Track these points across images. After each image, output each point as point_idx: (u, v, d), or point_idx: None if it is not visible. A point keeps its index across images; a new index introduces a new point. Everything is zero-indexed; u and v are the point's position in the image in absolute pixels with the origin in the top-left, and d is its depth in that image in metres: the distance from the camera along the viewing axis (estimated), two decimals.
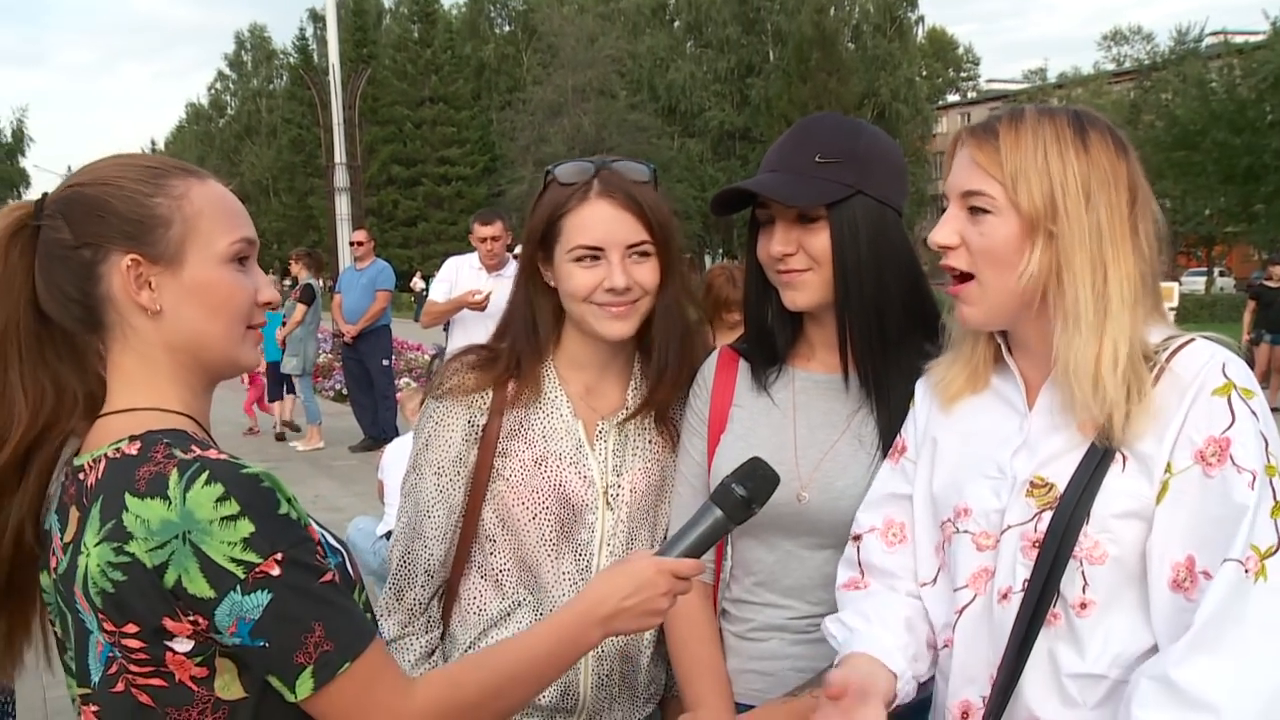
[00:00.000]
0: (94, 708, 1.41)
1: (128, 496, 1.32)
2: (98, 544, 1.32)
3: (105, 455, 1.39)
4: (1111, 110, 46.83)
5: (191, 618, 1.30)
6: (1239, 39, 44.62)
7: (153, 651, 1.33)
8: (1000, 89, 71.79)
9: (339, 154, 19.84)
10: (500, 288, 7.60)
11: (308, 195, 59.93)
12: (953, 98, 76.38)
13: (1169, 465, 1.48)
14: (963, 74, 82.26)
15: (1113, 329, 1.50)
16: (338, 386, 15.71)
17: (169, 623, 1.31)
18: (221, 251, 1.46)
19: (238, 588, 1.28)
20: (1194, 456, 1.46)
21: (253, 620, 1.29)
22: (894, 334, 1.88)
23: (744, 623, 2.02)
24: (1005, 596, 1.58)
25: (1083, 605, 1.52)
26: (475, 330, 7.60)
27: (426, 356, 18.44)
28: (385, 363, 11.82)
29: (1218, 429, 1.45)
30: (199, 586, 1.28)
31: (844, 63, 50.60)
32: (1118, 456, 1.51)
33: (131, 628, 1.32)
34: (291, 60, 68.99)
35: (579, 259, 1.95)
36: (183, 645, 1.32)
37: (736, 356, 2.08)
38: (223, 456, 1.35)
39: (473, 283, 7.63)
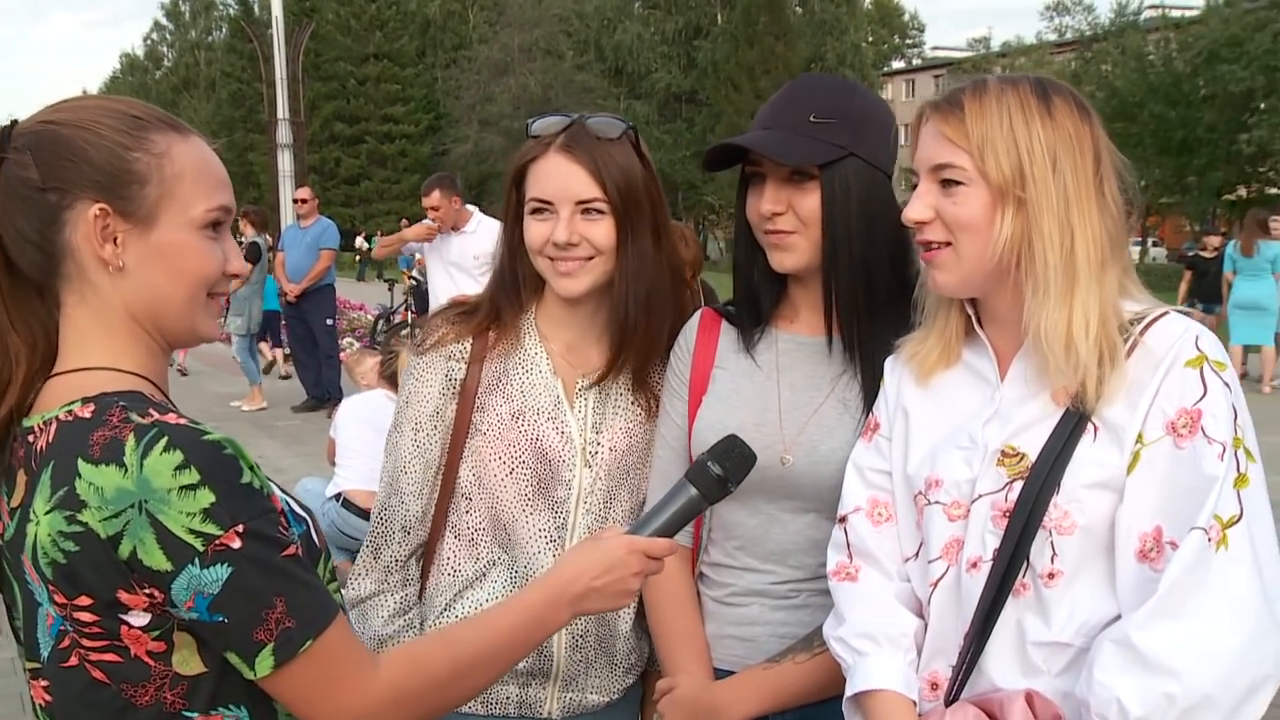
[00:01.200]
0: (44, 682, 1.34)
1: (81, 463, 1.24)
2: (48, 512, 1.25)
3: (56, 418, 1.31)
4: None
5: (147, 590, 1.24)
6: (1176, 13, 45.20)
7: (107, 625, 1.26)
8: (945, 57, 72.06)
9: (282, 109, 19.48)
10: (461, 244, 7.60)
11: (248, 151, 58.76)
12: (898, 64, 76.57)
13: (1140, 436, 1.49)
14: (908, 41, 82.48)
15: (1082, 294, 1.52)
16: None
17: (124, 595, 1.24)
18: (197, 217, 1.39)
19: (196, 560, 1.21)
20: (1165, 428, 1.47)
21: (211, 595, 1.23)
22: (881, 298, 1.87)
23: (723, 587, 2.00)
24: (975, 566, 1.58)
25: (1050, 575, 1.53)
26: (443, 283, 7.65)
27: (370, 316, 18.31)
28: (329, 322, 11.70)
29: (1189, 400, 1.46)
30: (155, 559, 1.21)
31: (791, 27, 50.54)
32: (1089, 426, 1.52)
33: (84, 600, 1.25)
34: (231, 12, 67.44)
35: (533, 211, 1.97)
36: (139, 619, 1.26)
37: (719, 318, 2.06)
38: (182, 421, 1.28)
39: (431, 245, 7.81)
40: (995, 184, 1.55)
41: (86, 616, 1.26)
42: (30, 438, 1.33)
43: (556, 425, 2.01)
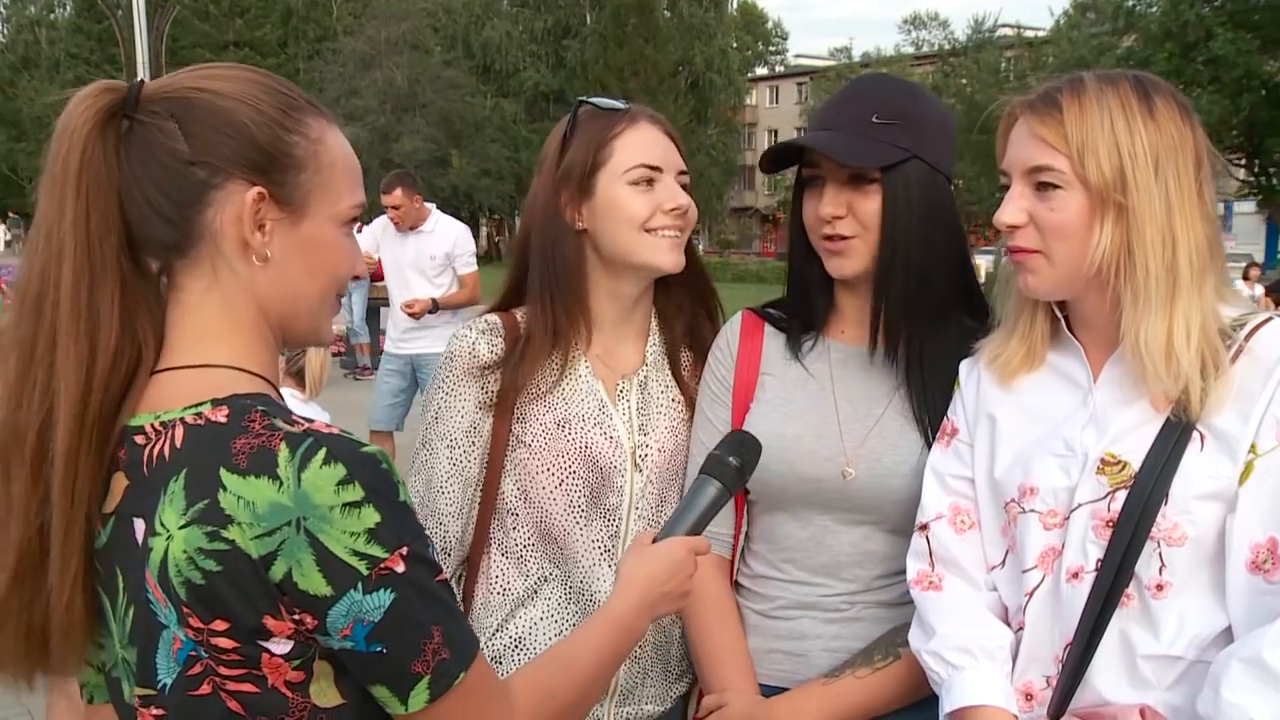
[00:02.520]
0: (158, 711, 1.20)
1: (224, 473, 1.12)
2: (183, 526, 1.12)
3: (181, 420, 1.17)
4: None
5: (297, 616, 1.12)
6: (1029, 32, 47.18)
7: (247, 652, 1.14)
8: (808, 65, 73.57)
9: None
10: (418, 244, 7.31)
11: None
12: (762, 71, 77.90)
13: (1254, 446, 1.46)
14: (771, 48, 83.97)
15: (1183, 303, 1.48)
16: None
17: (270, 621, 1.12)
18: (342, 213, 1.28)
19: (359, 585, 1.11)
20: (1279, 437, 1.45)
21: (372, 623, 1.12)
22: (936, 306, 1.82)
23: (769, 600, 1.93)
24: (1076, 576, 1.54)
25: (1159, 587, 1.50)
26: (399, 285, 7.43)
27: None
28: None
29: None
30: (314, 583, 1.10)
31: (660, 30, 50.78)
32: (1195, 435, 1.49)
33: (220, 624, 1.13)
34: None
35: (636, 181, 1.87)
36: (281, 646, 1.14)
37: (761, 322, 1.99)
38: (334, 430, 1.16)
39: (387, 243, 7.48)
40: (1095, 188, 1.50)
41: (225, 643, 1.14)
42: (139, 439, 1.19)
43: (604, 430, 1.92)
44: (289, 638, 1.14)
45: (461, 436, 1.91)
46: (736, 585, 1.98)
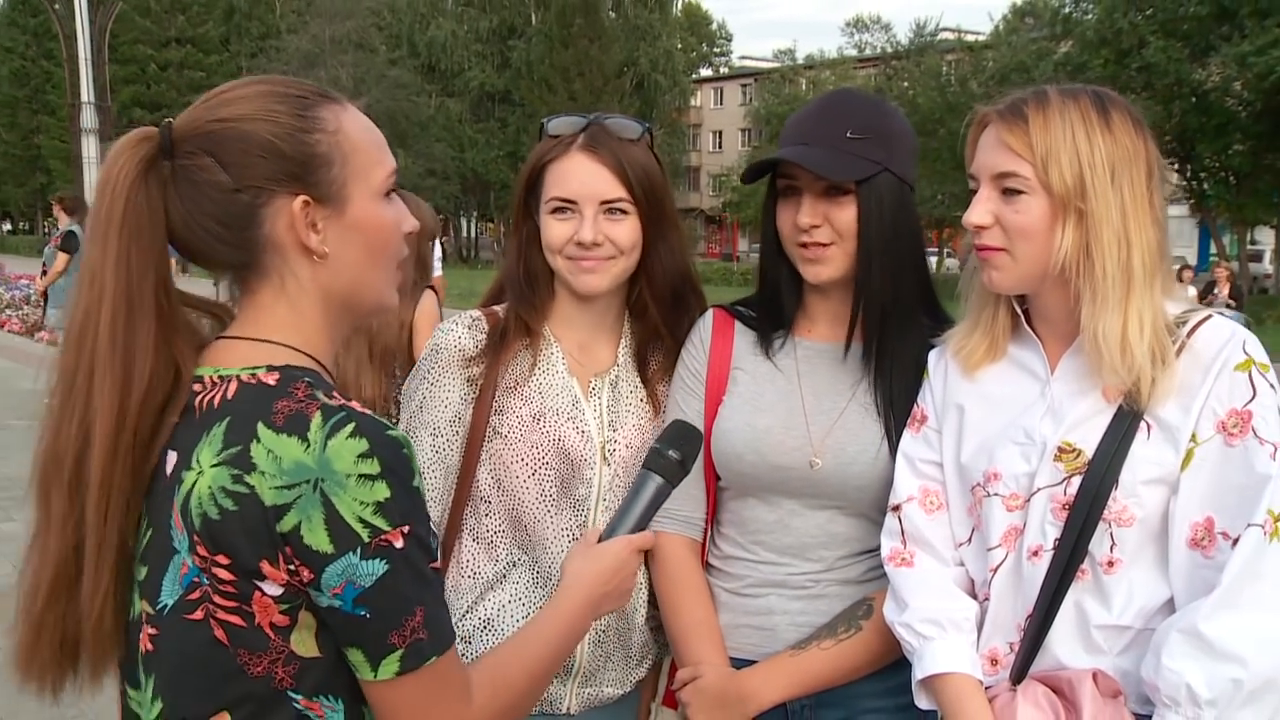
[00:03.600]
0: (153, 630, 1.31)
1: (261, 427, 1.23)
2: (215, 465, 1.23)
3: (237, 376, 1.30)
4: None
5: (293, 567, 1.22)
6: (970, 37, 47.84)
7: (241, 587, 1.24)
8: (752, 66, 74.02)
9: (86, 93, 18.51)
10: None
11: (34, 134, 55.36)
12: (706, 72, 78.22)
13: (1194, 435, 1.61)
14: (716, 50, 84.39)
15: (1137, 300, 1.62)
16: None
17: (266, 565, 1.22)
18: (378, 185, 1.38)
19: (358, 550, 1.21)
20: (1216, 427, 1.60)
21: (363, 587, 1.22)
22: (905, 308, 1.96)
23: (738, 579, 2.06)
24: (1035, 554, 1.69)
25: (1110, 563, 1.65)
26: None
27: None
28: None
29: (1239, 402, 1.59)
30: (318, 539, 1.20)
31: (606, 30, 50.91)
32: (1143, 425, 1.63)
33: (223, 559, 1.23)
34: None
35: (554, 210, 1.98)
36: (272, 589, 1.24)
37: (732, 319, 2.11)
38: (367, 412, 1.27)
39: None
40: (1057, 194, 1.64)
41: (225, 574, 1.24)
42: (197, 386, 1.31)
43: (576, 425, 2.04)
44: (281, 584, 1.24)
45: (445, 425, 2.02)
46: (708, 566, 2.11)
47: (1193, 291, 19.54)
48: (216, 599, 1.25)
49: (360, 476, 1.21)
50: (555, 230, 1.99)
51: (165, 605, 1.29)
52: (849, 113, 1.96)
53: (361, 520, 1.21)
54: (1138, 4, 27.80)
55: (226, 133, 1.31)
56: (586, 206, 1.97)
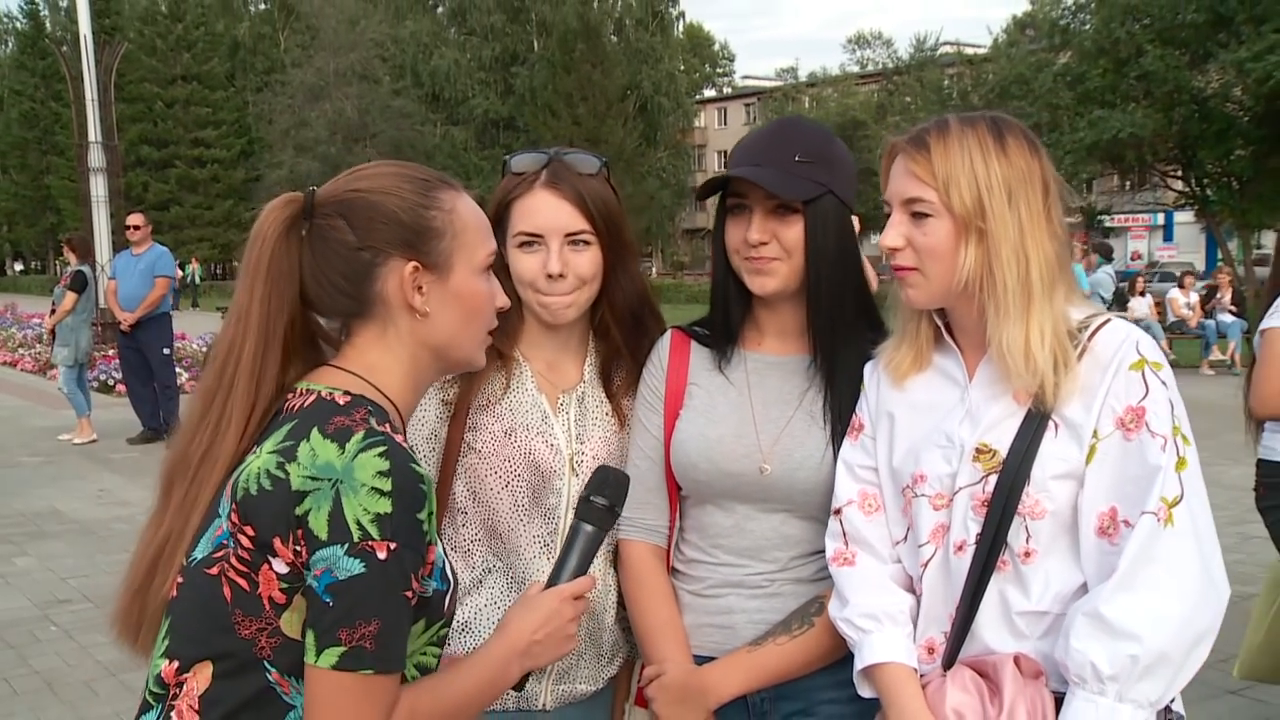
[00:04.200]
0: (180, 580, 1.51)
1: (315, 431, 1.44)
2: (270, 452, 1.44)
3: (319, 392, 1.53)
4: (860, 110, 49.57)
5: (299, 547, 1.40)
6: (969, 50, 48.03)
7: (256, 557, 1.42)
8: (755, 86, 74.36)
9: (94, 132, 18.74)
10: None
11: (44, 174, 55.84)
12: (709, 93, 78.55)
13: (1095, 431, 1.73)
14: (719, 70, 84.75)
15: (1037, 311, 1.75)
16: (103, 377, 14.99)
17: (277, 542, 1.41)
18: (480, 262, 1.62)
19: (345, 545, 1.37)
20: (1115, 423, 1.72)
21: (336, 578, 1.37)
22: (849, 321, 2.09)
23: (700, 581, 2.18)
24: (960, 548, 1.81)
25: (1026, 554, 1.77)
26: None
27: (194, 345, 17.77)
28: (166, 352, 11.41)
29: (1134, 399, 1.72)
30: (319, 525, 1.38)
31: (607, 55, 51.16)
32: (1050, 424, 1.76)
33: (250, 530, 1.43)
34: (19, 26, 64.04)
35: (521, 244, 2.11)
36: (279, 566, 1.41)
37: (688, 338, 2.25)
38: (406, 446, 1.47)
39: None
40: (959, 216, 1.77)
41: (246, 543, 1.44)
42: (290, 396, 1.56)
43: (545, 439, 2.17)
44: (288, 563, 1.42)
45: (422, 443, 2.16)
46: (673, 570, 2.24)
47: (1195, 298, 19.60)
48: (233, 560, 1.45)
49: (372, 489, 1.39)
50: (524, 263, 2.12)
51: (195, 559, 1.49)
52: (797, 138, 2.09)
53: (358, 523, 1.38)
54: (1134, 14, 27.89)
55: (359, 201, 1.57)
56: (552, 239, 2.11)
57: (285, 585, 1.42)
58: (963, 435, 1.83)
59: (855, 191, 2.15)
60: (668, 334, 2.28)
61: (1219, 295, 19.41)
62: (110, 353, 14.26)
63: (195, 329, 20.02)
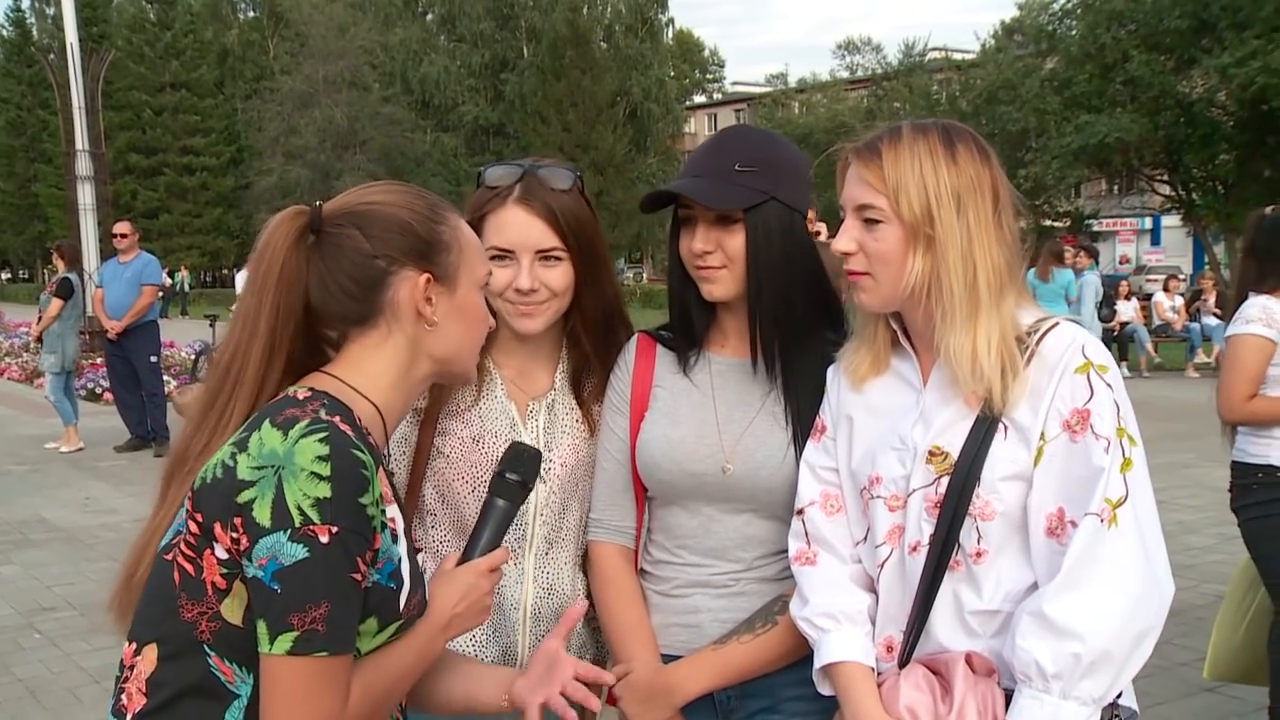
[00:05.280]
0: (148, 566, 1.56)
1: (266, 422, 1.48)
2: (229, 444, 1.49)
3: (289, 391, 1.57)
4: (849, 116, 49.67)
5: (236, 535, 1.42)
6: (958, 56, 48.18)
7: (201, 542, 1.47)
8: (745, 91, 74.46)
9: (81, 140, 18.71)
10: None
11: (31, 182, 55.72)
12: (699, 99, 78.66)
13: (1043, 434, 1.76)
14: (709, 76, 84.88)
15: (984, 318, 1.77)
16: (89, 385, 14.98)
17: (218, 528, 1.44)
18: (480, 278, 1.72)
19: (288, 531, 1.40)
20: (1061, 425, 1.75)
21: (282, 564, 1.40)
22: (801, 324, 2.12)
23: (667, 581, 2.22)
24: (915, 549, 1.85)
25: (978, 554, 1.80)
26: None
27: (182, 354, 17.75)
28: (153, 359, 11.40)
29: (1080, 401, 1.75)
30: (262, 514, 1.41)
31: (597, 61, 51.22)
32: (1000, 427, 1.79)
33: (199, 516, 1.47)
34: (5, 33, 63.90)
35: (493, 258, 2.12)
36: (220, 552, 1.45)
37: (654, 342, 2.28)
38: (350, 434, 1.49)
39: None
40: (908, 223, 1.80)
41: (194, 528, 1.48)
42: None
43: None
44: (227, 550, 1.45)
45: (393, 446, 2.18)
46: (641, 571, 2.28)
47: (1180, 302, 19.72)
48: (183, 546, 1.49)
49: (311, 474, 1.42)
50: (495, 276, 2.13)
51: (163, 545, 1.54)
52: (738, 147, 2.13)
53: (299, 508, 1.41)
54: (1120, 19, 28.04)
55: (373, 212, 1.65)
56: (523, 255, 2.14)
57: (225, 571, 1.46)
58: (916, 438, 1.87)
59: (808, 193, 2.17)
60: (634, 338, 2.31)
61: (1204, 298, 19.51)
62: (97, 360, 14.23)
63: (184, 337, 19.96)
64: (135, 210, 51.11)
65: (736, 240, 2.08)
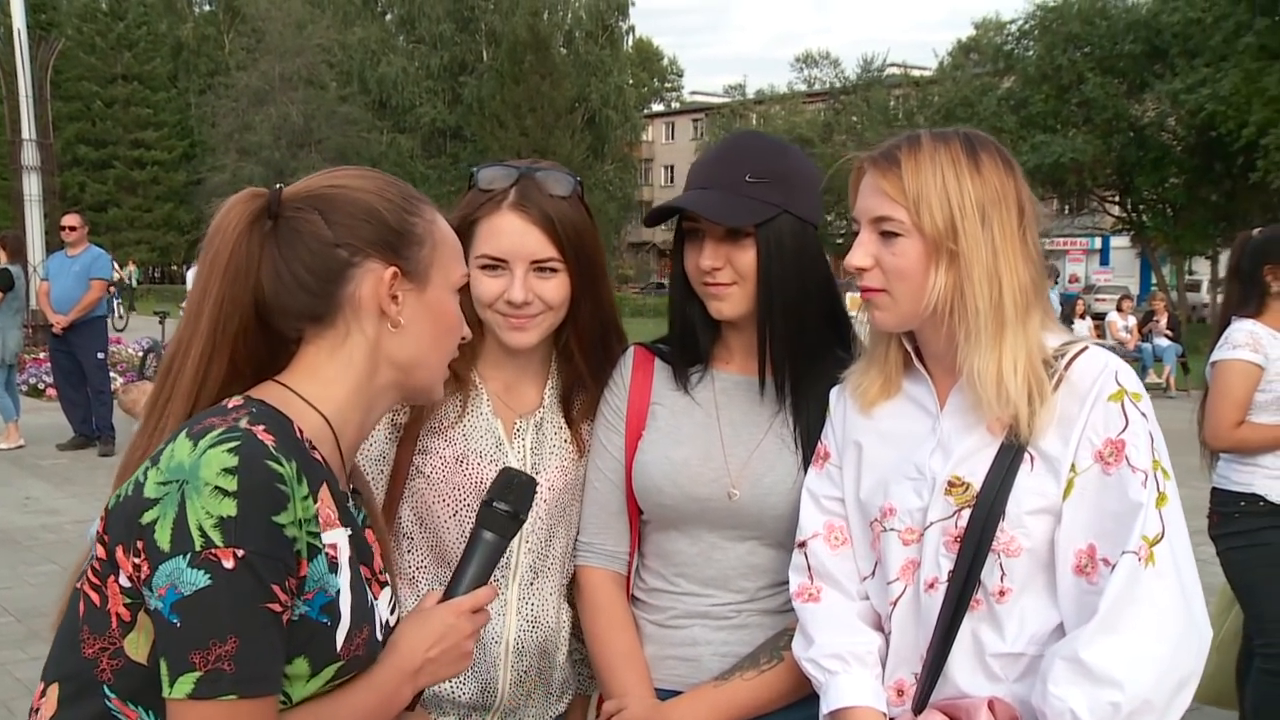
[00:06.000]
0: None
1: (183, 433, 1.30)
2: (146, 462, 1.33)
3: (225, 400, 1.40)
4: (806, 128, 49.97)
5: (138, 560, 1.25)
6: (916, 73, 48.65)
7: (105, 568, 1.30)
8: (703, 101, 74.68)
9: (28, 130, 18.30)
10: None
11: None
12: (658, 107, 78.77)
13: (1073, 465, 1.65)
14: (667, 85, 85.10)
15: (1010, 338, 1.66)
16: (32, 380, 14.60)
17: (120, 552, 1.28)
18: (455, 281, 1.53)
19: (188, 556, 1.22)
20: (1094, 456, 1.64)
21: (181, 594, 1.21)
22: (812, 342, 2.00)
23: (662, 611, 2.09)
24: (931, 586, 1.73)
25: (1001, 593, 1.69)
26: None
27: (130, 350, 17.36)
28: (100, 356, 11.10)
29: (1114, 431, 1.64)
30: (163, 537, 1.23)
31: (557, 67, 51.03)
32: (1027, 457, 1.68)
33: (106, 538, 1.31)
34: None
35: (484, 267, 1.99)
36: (123, 579, 1.28)
37: (652, 356, 2.15)
38: (271, 442, 1.30)
39: None
40: (930, 236, 1.69)
41: (101, 552, 1.32)
42: None
43: (498, 467, 2.01)
44: (129, 577, 1.28)
45: (370, 464, 2.01)
46: (633, 598, 2.14)
47: (1133, 321, 19.92)
48: (89, 574, 1.33)
49: (215, 489, 1.24)
50: (486, 286, 2.00)
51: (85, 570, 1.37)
52: (748, 156, 2.00)
53: (200, 529, 1.23)
54: (1076, 42, 28.44)
55: (339, 196, 1.46)
56: (517, 265, 1.98)
57: (129, 601, 1.29)
58: (934, 467, 1.76)
59: (820, 204, 2.07)
60: (630, 351, 2.18)
61: (1155, 319, 19.72)
62: (41, 355, 13.88)
63: (130, 334, 19.55)
64: (84, 203, 49.99)
65: (747, 256, 1.97)
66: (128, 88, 53.36)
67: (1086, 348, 1.72)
